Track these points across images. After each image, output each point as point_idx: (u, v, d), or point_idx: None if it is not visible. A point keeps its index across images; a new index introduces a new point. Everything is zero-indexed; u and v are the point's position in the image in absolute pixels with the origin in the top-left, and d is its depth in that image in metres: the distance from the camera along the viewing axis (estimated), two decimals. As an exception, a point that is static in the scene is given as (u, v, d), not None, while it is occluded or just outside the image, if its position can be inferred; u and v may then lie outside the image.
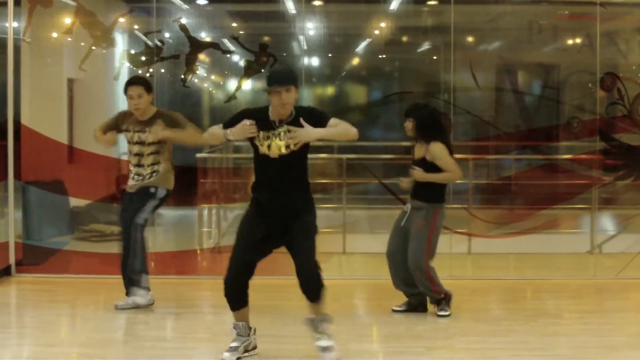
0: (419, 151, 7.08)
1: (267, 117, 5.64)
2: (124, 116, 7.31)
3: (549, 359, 5.93)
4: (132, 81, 7.23)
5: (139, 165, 7.19)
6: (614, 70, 9.65)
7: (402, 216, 7.15)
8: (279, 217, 5.70)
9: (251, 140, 5.65)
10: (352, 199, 10.40)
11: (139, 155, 7.18)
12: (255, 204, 5.79)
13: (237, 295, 5.77)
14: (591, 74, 9.71)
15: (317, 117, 5.63)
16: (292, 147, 5.57)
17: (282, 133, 5.59)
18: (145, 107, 7.12)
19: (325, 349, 5.68)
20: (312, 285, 5.66)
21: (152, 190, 7.18)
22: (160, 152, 7.18)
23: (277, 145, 5.58)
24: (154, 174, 7.16)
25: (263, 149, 5.62)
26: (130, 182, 7.26)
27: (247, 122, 5.55)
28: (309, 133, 5.52)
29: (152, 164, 7.16)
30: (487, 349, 6.15)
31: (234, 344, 5.79)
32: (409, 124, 7.10)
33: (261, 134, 5.61)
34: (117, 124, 7.31)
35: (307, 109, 5.79)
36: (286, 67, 6.06)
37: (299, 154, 5.64)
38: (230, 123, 5.67)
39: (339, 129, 5.60)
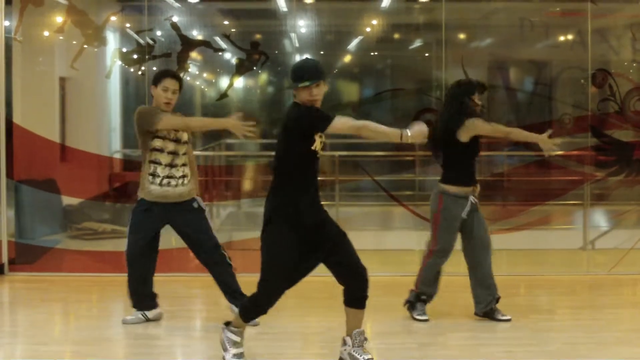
0: None
1: None
2: (151, 114, 6.34)
3: (541, 355, 5.93)
4: (171, 74, 6.47)
5: (171, 165, 6.40)
6: (605, 66, 9.68)
7: (462, 208, 6.75)
8: (317, 223, 5.37)
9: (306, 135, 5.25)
10: (344, 196, 10.40)
11: (174, 154, 6.41)
12: (290, 215, 5.28)
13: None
14: (583, 70, 9.72)
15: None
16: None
17: None
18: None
19: None
20: (366, 290, 5.41)
21: (195, 205, 6.54)
22: (188, 153, 6.56)
23: (321, 142, 5.31)
24: (184, 178, 6.47)
25: (316, 144, 5.27)
26: (154, 188, 6.39)
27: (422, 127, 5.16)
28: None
29: (184, 165, 6.47)
30: (479, 345, 6.17)
31: (237, 350, 5.44)
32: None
33: None
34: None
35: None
36: (312, 60, 5.64)
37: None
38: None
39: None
